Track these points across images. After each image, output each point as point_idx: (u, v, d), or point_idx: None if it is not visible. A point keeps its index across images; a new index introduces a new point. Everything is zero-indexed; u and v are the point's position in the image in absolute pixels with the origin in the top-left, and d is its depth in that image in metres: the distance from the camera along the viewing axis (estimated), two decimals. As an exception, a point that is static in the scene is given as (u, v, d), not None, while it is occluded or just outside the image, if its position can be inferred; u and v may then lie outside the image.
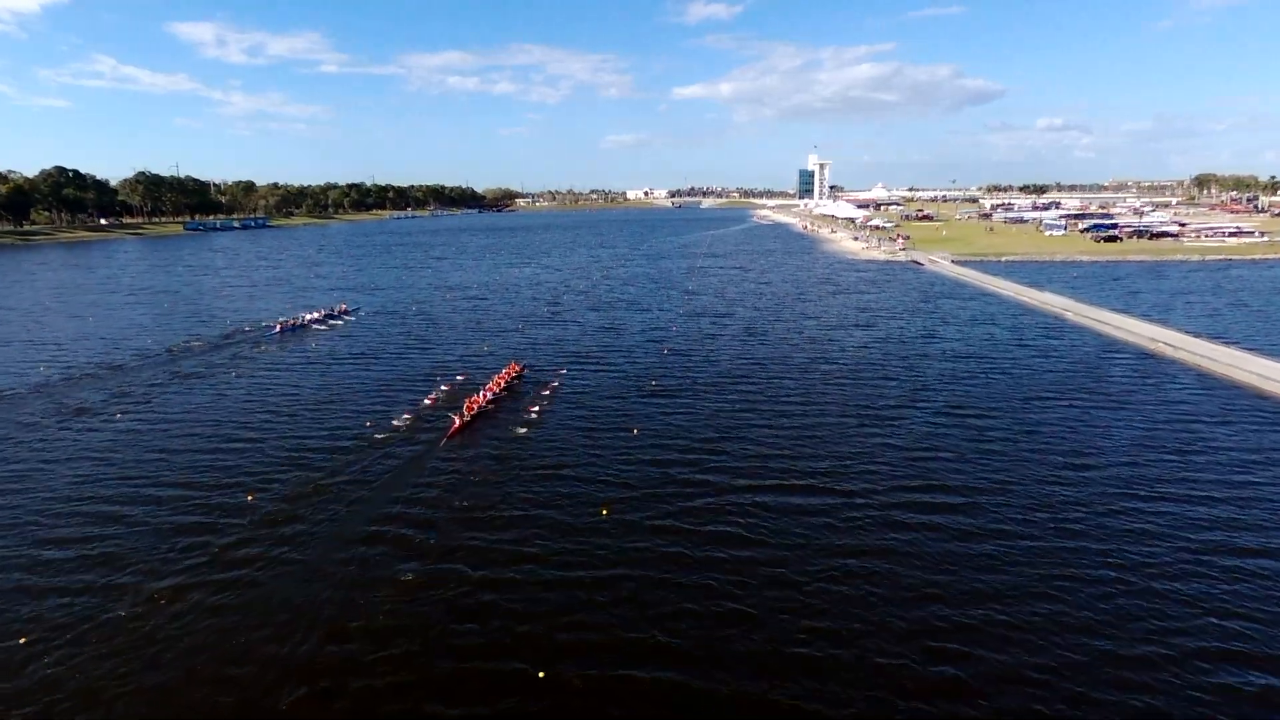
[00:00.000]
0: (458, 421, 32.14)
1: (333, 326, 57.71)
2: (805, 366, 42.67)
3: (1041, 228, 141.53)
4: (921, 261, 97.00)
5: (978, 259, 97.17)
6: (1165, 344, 44.16)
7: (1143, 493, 25.37)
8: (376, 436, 30.66)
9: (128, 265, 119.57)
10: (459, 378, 38.72)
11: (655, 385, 38.35)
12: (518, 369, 40.86)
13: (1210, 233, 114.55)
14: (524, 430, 31.46)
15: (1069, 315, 55.50)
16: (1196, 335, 46.79)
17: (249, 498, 24.94)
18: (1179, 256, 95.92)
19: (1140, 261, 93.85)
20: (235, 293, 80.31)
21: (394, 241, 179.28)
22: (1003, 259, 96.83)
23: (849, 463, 28.30)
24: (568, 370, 41.85)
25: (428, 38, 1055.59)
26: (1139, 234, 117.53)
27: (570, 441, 30.52)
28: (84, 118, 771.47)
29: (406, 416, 33.22)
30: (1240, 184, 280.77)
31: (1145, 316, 54.41)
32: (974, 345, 47.63)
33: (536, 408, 34.57)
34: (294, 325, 56.20)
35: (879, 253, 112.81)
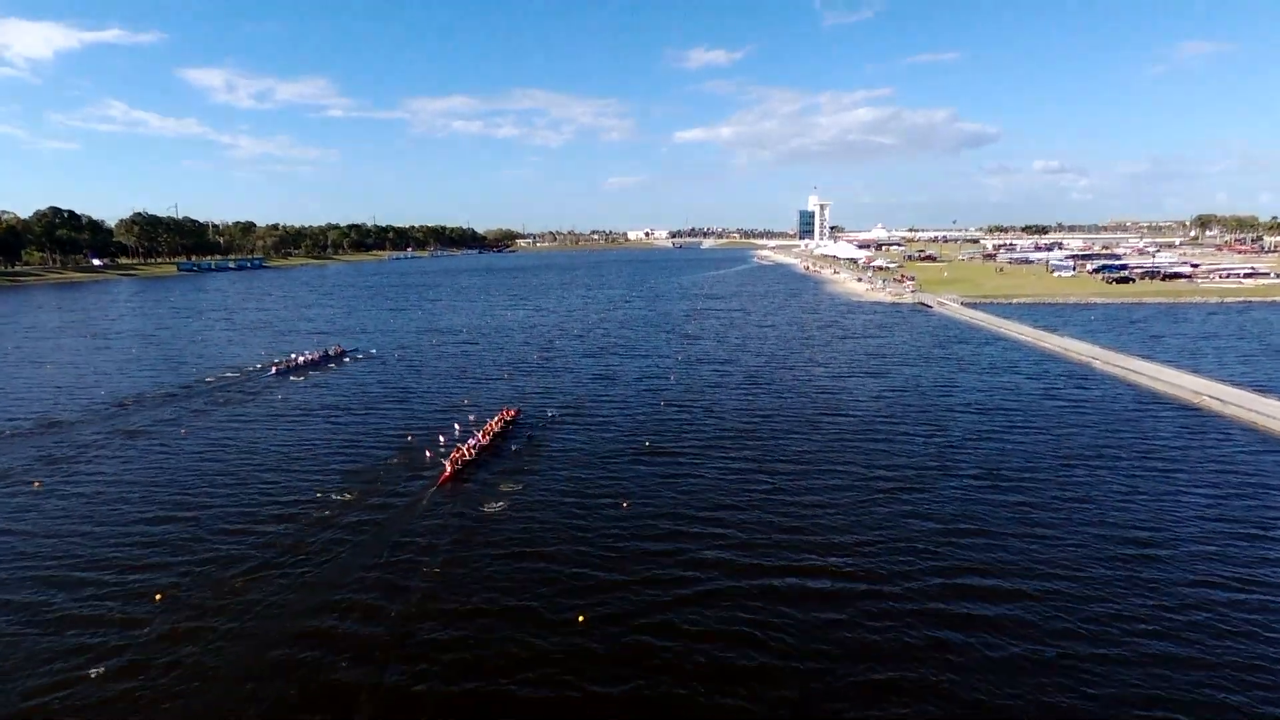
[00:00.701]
0: (449, 469, 29.82)
1: (326, 370, 55.20)
2: (816, 421, 38.78)
3: (1049, 269, 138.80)
4: (930, 304, 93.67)
5: (987, 301, 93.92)
6: (1211, 397, 40.27)
7: (1227, 578, 21.40)
8: (325, 512, 26.64)
9: (110, 307, 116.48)
10: (416, 441, 34.74)
11: (650, 445, 34.37)
12: (512, 414, 38.62)
13: (1225, 274, 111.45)
14: (501, 505, 27.38)
15: (1096, 364, 51.73)
16: (1242, 387, 42.91)
17: (158, 597, 20.77)
18: (1197, 298, 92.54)
19: (1157, 303, 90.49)
20: (212, 337, 76.73)
21: (389, 282, 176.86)
22: (1013, 301, 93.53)
23: (875, 540, 24.32)
24: (557, 425, 38.01)
25: (433, 83, 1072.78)
26: (1151, 275, 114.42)
27: (554, 512, 26.53)
28: (94, 161, 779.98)
29: (367, 482, 29.41)
30: (1242, 224, 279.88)
31: (1179, 365, 50.61)
32: (998, 397, 43.78)
33: (519, 474, 30.68)
34: (289, 367, 54.33)
35: (884, 294, 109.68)
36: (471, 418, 37.30)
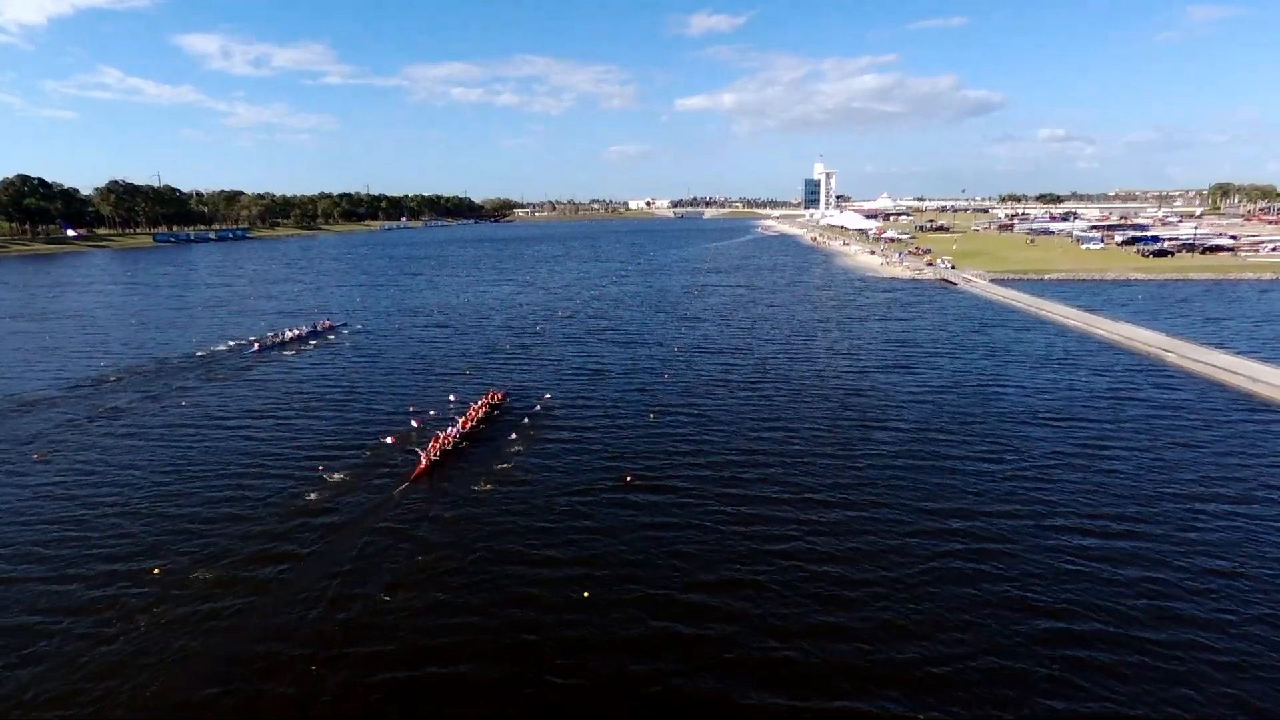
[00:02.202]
0: (424, 462, 26.61)
1: (312, 346, 52.89)
2: (846, 437, 30.87)
3: (1076, 240, 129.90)
4: (954, 280, 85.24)
5: (1016, 277, 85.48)
6: (1337, 404, 32.33)
7: None
8: (185, 581, 18.91)
9: (66, 282, 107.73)
10: (326, 469, 27.02)
11: (632, 479, 26.26)
12: (498, 398, 34.70)
13: (1274, 247, 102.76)
14: (420, 582, 19.62)
15: (1170, 356, 43.66)
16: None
17: None
18: (1248, 274, 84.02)
19: (1203, 280, 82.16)
20: (154, 319, 68.12)
21: (374, 254, 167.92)
22: (1045, 277, 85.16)
23: (947, 634, 16.84)
24: (520, 445, 30.03)
25: (432, 49, 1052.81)
26: (1189, 248, 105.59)
27: (493, 597, 18.69)
28: (90, 130, 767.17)
29: (256, 532, 21.63)
30: (1265, 194, 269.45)
31: (1276, 362, 42.61)
32: (1063, 400, 35.86)
33: (457, 524, 22.86)
34: (274, 343, 52.49)
35: (901, 269, 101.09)
36: (390, 433, 29.61)
